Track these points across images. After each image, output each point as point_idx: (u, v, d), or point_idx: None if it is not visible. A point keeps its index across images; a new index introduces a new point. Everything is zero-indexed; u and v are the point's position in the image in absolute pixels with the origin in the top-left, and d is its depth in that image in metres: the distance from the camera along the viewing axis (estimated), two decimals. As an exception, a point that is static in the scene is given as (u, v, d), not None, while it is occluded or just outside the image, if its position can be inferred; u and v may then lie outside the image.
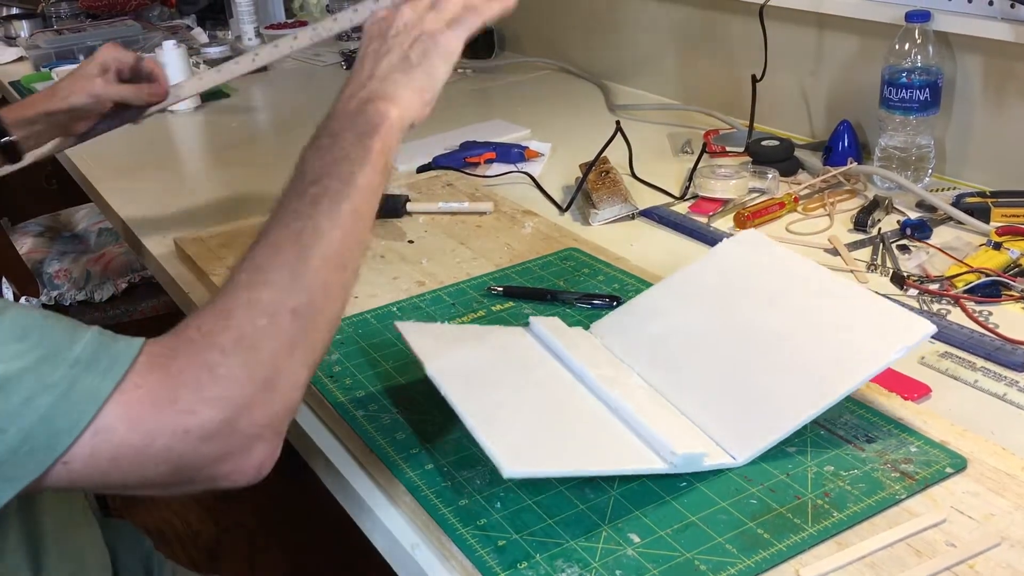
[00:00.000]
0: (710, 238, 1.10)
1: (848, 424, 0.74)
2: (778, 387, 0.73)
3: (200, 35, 2.25)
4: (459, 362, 0.77)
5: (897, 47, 1.16)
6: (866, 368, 0.70)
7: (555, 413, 0.73)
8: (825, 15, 1.32)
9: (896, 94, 1.17)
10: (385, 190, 0.71)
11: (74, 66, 2.02)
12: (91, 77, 1.02)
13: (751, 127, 1.33)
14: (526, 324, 0.87)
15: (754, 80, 1.31)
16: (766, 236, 0.88)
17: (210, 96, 1.83)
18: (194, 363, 0.57)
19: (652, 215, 1.19)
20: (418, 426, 0.77)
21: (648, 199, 1.23)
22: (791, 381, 0.72)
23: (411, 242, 1.12)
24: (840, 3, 1.28)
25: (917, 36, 1.15)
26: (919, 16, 1.14)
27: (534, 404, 0.74)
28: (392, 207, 1.19)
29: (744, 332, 0.79)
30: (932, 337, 0.87)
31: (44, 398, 0.53)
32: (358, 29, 2.34)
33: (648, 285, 0.91)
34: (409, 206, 1.19)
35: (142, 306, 1.88)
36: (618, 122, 1.32)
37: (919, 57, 1.15)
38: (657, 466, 0.68)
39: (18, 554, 0.70)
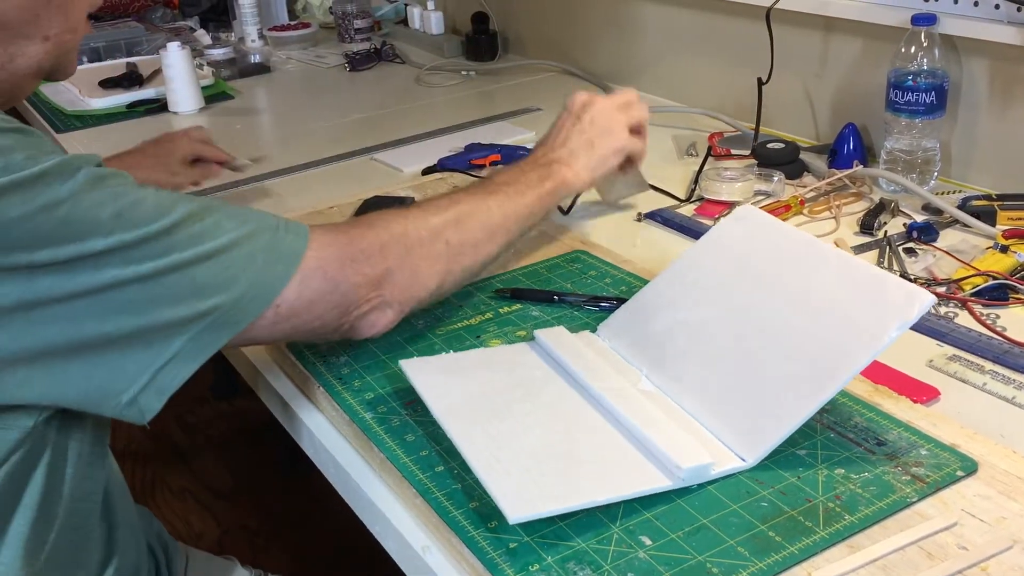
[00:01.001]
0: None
1: (858, 427, 0.74)
2: (782, 379, 0.72)
3: (203, 37, 2.25)
4: (464, 396, 0.78)
5: (903, 50, 1.16)
6: (866, 351, 0.69)
7: (560, 440, 0.73)
8: (831, 18, 1.33)
9: (902, 97, 1.17)
10: (536, 225, 0.95)
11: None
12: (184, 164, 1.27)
13: (757, 130, 1.33)
14: (531, 340, 0.87)
15: (760, 83, 1.31)
16: (762, 211, 0.88)
17: (214, 98, 1.83)
18: (367, 237, 0.78)
19: (657, 217, 1.19)
20: (428, 428, 0.77)
21: (653, 202, 1.24)
22: (794, 371, 0.72)
23: (417, 244, 1.12)
24: (846, 6, 1.29)
25: (923, 39, 1.15)
26: (925, 19, 1.14)
27: (539, 433, 0.74)
28: (398, 209, 1.18)
29: (746, 318, 0.78)
30: (940, 340, 0.88)
31: (261, 255, 0.70)
32: (360, 31, 2.30)
33: (656, 287, 0.91)
34: (415, 208, 1.19)
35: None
36: (624, 124, 1.32)
37: (925, 60, 1.15)
38: (664, 484, 0.68)
39: (98, 530, 0.78)
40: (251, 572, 1.06)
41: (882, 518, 0.65)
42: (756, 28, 1.39)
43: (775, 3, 1.32)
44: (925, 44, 1.15)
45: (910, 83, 1.16)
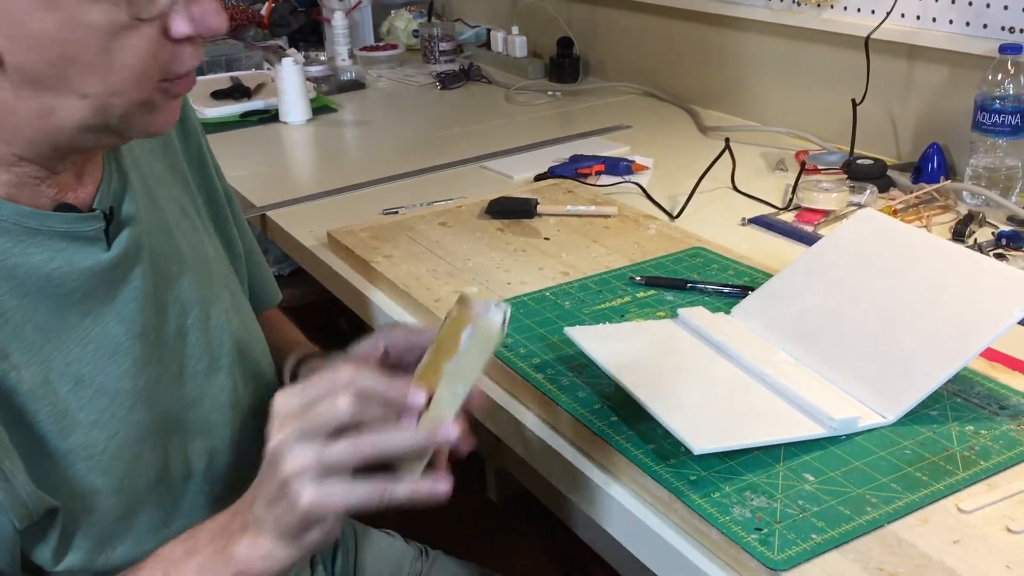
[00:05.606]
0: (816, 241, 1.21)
1: (980, 394, 0.84)
2: (916, 350, 0.83)
3: (296, 55, 2.39)
4: (628, 357, 0.88)
5: (990, 77, 1.28)
6: (995, 326, 0.80)
7: (720, 392, 0.84)
8: (917, 47, 1.44)
9: (988, 119, 1.28)
10: None
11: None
12: None
13: (852, 146, 1.44)
14: (674, 316, 0.98)
15: (854, 103, 1.43)
16: (883, 213, 0.99)
17: (318, 110, 1.96)
18: None
19: (760, 222, 1.30)
20: (596, 387, 0.88)
21: (753, 209, 1.35)
22: (927, 344, 0.83)
23: (547, 239, 1.23)
24: (935, 36, 1.40)
25: (1010, 67, 1.26)
26: (1013, 49, 1.26)
27: (701, 386, 0.85)
28: (524, 209, 1.30)
29: (876, 302, 0.89)
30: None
31: None
32: (445, 52, 2.42)
33: (781, 277, 1.02)
34: (539, 208, 1.31)
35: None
36: (727, 139, 1.44)
37: (1011, 86, 1.26)
38: (819, 431, 0.79)
39: None
40: (415, 548, 1.12)
41: (1013, 464, 0.75)
42: (839, 54, 1.50)
43: (872, 32, 1.44)
44: (1012, 72, 1.26)
45: (997, 106, 1.27)
